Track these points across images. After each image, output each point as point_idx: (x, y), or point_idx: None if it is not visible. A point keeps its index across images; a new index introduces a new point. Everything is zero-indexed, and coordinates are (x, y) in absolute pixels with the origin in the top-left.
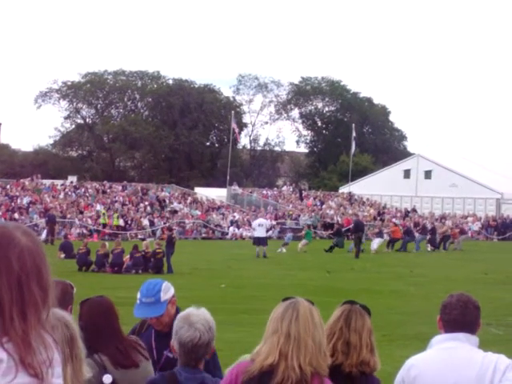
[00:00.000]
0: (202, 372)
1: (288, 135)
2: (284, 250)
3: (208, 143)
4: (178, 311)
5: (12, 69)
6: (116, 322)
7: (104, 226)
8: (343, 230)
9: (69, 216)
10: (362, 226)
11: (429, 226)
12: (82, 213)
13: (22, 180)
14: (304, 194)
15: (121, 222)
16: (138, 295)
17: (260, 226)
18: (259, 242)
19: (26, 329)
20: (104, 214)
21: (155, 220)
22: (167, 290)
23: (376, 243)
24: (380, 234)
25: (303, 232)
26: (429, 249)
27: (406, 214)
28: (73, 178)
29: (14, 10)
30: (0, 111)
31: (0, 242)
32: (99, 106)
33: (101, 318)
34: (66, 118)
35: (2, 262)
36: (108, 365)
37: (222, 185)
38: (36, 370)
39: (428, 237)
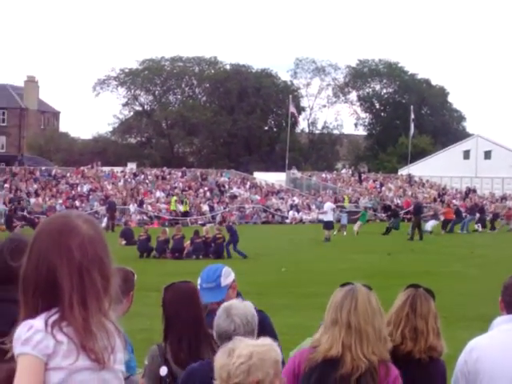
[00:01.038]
0: None
1: (346, 118)
2: (345, 233)
3: (266, 128)
4: (239, 296)
5: (70, 58)
6: (197, 311)
7: (172, 212)
8: (403, 211)
9: (129, 203)
10: (422, 208)
11: (481, 207)
12: (141, 199)
13: (81, 168)
14: (363, 176)
15: (187, 208)
16: (199, 281)
17: (331, 210)
18: (330, 225)
19: (86, 316)
20: (175, 200)
21: (215, 205)
22: (227, 275)
23: (430, 225)
24: (435, 217)
25: (359, 214)
26: (480, 229)
27: (466, 194)
28: (132, 165)
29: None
30: (59, 100)
31: (61, 231)
32: (157, 92)
33: (182, 305)
34: (124, 105)
35: (64, 250)
36: (169, 357)
37: (280, 169)
38: (97, 355)
39: (477, 217)
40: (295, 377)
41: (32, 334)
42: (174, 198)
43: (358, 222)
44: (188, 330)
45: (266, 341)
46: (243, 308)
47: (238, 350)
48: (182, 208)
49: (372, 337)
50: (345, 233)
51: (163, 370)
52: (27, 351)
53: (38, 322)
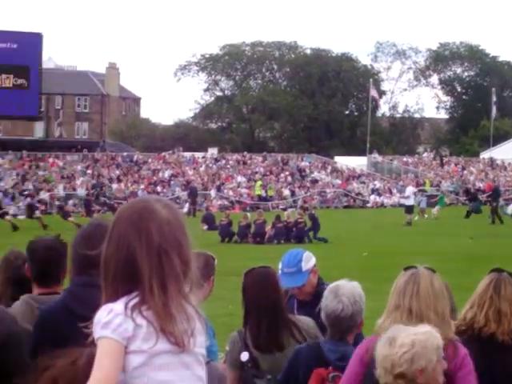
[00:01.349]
0: (348, 345)
1: (427, 102)
2: (426, 216)
3: (347, 112)
4: (320, 281)
5: (151, 44)
6: (277, 296)
7: (254, 197)
8: (484, 195)
9: (210, 188)
10: (499, 192)
11: None
12: (223, 184)
13: (163, 153)
14: (445, 160)
15: (273, 193)
16: (280, 266)
17: (413, 194)
18: (412, 210)
19: (165, 299)
20: (260, 185)
21: (296, 190)
22: (308, 260)
23: (510, 209)
24: None
25: (437, 197)
26: None
27: None
28: (213, 150)
29: None
30: (140, 86)
31: (141, 215)
32: (237, 77)
33: (262, 290)
34: (205, 91)
35: (143, 234)
36: (249, 343)
37: (361, 153)
38: (177, 338)
39: None
40: (364, 365)
41: (112, 318)
42: (259, 182)
43: (437, 206)
44: (267, 316)
45: (426, 328)
46: (350, 288)
47: (399, 339)
48: (268, 193)
49: (434, 321)
50: (426, 215)
51: (244, 356)
52: (107, 334)
53: (118, 306)
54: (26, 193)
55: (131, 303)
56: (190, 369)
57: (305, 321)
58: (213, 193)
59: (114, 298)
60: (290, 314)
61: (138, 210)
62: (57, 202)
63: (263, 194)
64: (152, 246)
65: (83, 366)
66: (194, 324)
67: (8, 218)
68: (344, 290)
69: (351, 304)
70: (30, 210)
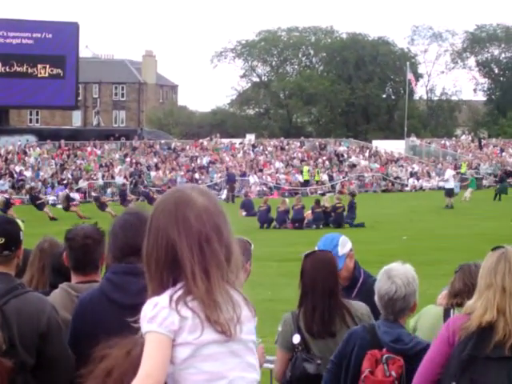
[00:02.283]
0: (401, 327)
1: (465, 84)
2: (467, 198)
3: (384, 96)
4: (356, 265)
5: (187, 31)
6: (334, 281)
7: (306, 182)
8: None
9: (248, 174)
10: None
11: None
12: (261, 170)
13: (200, 140)
14: (483, 142)
15: (319, 178)
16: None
17: (452, 177)
18: (451, 193)
19: (209, 287)
20: (307, 170)
21: (334, 175)
22: (344, 244)
23: None
24: None
25: (468, 180)
26: None
27: None
28: (251, 136)
29: None
30: (176, 74)
31: (178, 204)
32: (274, 63)
33: (320, 274)
34: (241, 77)
35: (181, 222)
36: (302, 326)
37: (399, 137)
38: (223, 326)
39: None
40: (450, 345)
41: (157, 312)
42: (306, 167)
43: (469, 189)
44: (323, 300)
45: None
46: (403, 269)
47: None
48: (315, 178)
49: None
50: (464, 198)
51: (296, 338)
52: (153, 329)
53: (163, 299)
54: (64, 182)
55: (176, 295)
56: (239, 357)
57: (358, 306)
58: (251, 179)
59: (159, 289)
60: (344, 300)
61: (174, 199)
62: (93, 194)
63: (312, 179)
64: (191, 233)
65: (137, 357)
66: (240, 310)
67: (46, 210)
68: (397, 272)
69: (404, 285)
70: (67, 201)
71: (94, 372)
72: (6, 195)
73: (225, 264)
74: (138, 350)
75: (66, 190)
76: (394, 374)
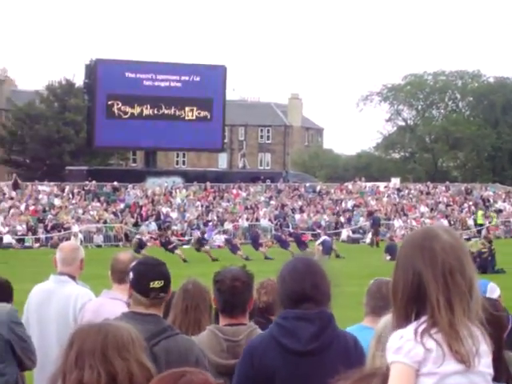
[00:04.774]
0: None
1: None
2: None
3: None
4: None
5: (333, 75)
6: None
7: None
8: None
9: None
10: None
11: None
12: (406, 215)
13: (345, 183)
14: None
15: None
16: None
17: None
18: None
19: (452, 319)
20: (481, 214)
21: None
22: (493, 291)
23: None
24: None
25: None
26: None
27: None
28: (396, 180)
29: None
30: (322, 117)
31: (425, 237)
32: (420, 107)
33: None
34: (387, 121)
35: (426, 253)
36: None
37: None
38: (464, 357)
39: None
40: None
41: (403, 343)
42: (480, 211)
43: None
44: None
45: None
46: None
47: None
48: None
49: None
50: None
51: None
52: (399, 359)
53: (408, 332)
54: (210, 223)
55: (420, 328)
56: None
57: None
58: (396, 223)
59: (404, 321)
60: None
61: (422, 233)
62: (224, 236)
63: (486, 223)
64: (437, 264)
65: None
66: (479, 344)
67: (178, 252)
68: None
69: None
70: (199, 243)
71: None
72: (138, 236)
73: (468, 297)
74: (377, 381)
75: (198, 233)
76: None
